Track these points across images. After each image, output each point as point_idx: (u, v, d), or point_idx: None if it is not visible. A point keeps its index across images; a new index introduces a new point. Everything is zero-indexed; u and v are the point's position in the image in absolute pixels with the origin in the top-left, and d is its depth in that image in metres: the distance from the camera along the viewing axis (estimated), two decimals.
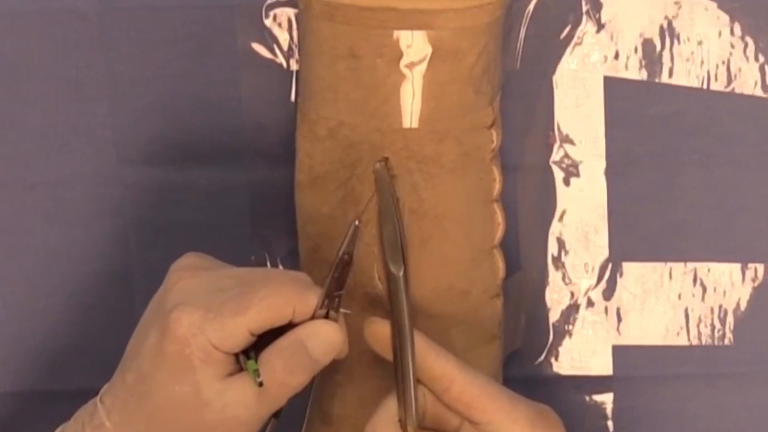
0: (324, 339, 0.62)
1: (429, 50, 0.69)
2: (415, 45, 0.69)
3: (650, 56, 0.78)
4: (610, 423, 0.80)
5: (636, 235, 0.79)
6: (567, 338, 0.80)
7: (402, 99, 0.70)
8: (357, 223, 0.63)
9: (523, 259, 0.79)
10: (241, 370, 0.63)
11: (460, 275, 0.73)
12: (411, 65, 0.70)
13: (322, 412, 0.75)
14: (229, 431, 0.62)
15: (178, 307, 0.61)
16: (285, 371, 0.62)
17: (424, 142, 0.71)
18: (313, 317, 0.63)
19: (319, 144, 0.72)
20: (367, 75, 0.70)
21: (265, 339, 0.63)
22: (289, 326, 0.63)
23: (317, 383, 0.76)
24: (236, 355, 0.63)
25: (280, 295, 0.62)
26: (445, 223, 0.72)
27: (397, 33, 0.69)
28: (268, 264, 0.79)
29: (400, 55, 0.69)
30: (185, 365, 0.61)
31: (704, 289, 0.79)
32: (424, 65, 0.70)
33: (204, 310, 0.61)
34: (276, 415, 0.65)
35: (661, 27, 0.78)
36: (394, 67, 0.70)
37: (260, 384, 0.62)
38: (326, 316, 0.63)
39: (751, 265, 0.79)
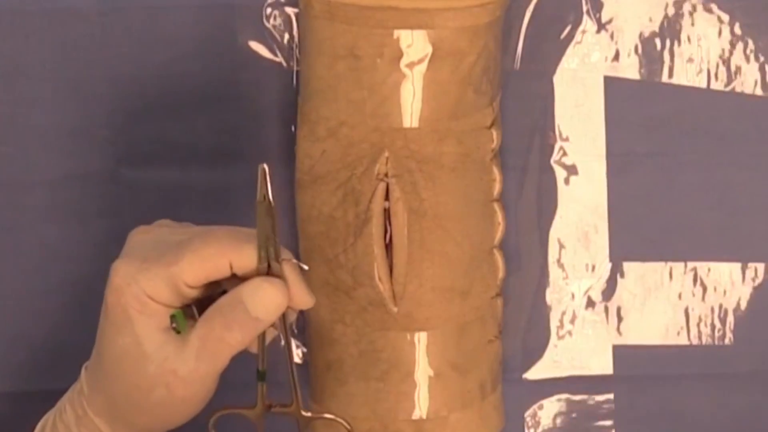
0: (263, 297, 0.60)
1: (429, 50, 0.69)
2: (415, 44, 0.69)
3: (650, 56, 0.78)
4: (610, 423, 0.80)
5: (636, 235, 0.79)
6: (567, 338, 0.80)
7: (402, 99, 0.70)
8: (265, 166, 0.62)
9: (523, 259, 0.79)
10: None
11: (460, 275, 0.73)
12: (411, 65, 0.70)
13: (322, 412, 0.75)
14: (168, 386, 0.61)
15: (118, 259, 0.62)
16: (222, 328, 0.61)
17: (425, 142, 0.71)
18: (258, 274, 0.61)
19: (320, 144, 0.72)
20: (367, 75, 0.70)
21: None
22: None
23: (317, 383, 0.76)
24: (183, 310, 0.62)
25: (213, 246, 0.61)
26: (445, 223, 0.72)
27: (397, 32, 0.69)
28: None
29: (401, 54, 0.69)
30: (123, 316, 0.61)
31: (704, 289, 0.79)
32: (424, 65, 0.70)
33: (140, 261, 0.61)
34: (261, 377, 0.64)
35: (661, 27, 0.78)
36: (395, 67, 0.70)
37: (177, 331, 0.61)
38: (268, 270, 0.61)
39: (751, 265, 0.79)
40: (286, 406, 0.64)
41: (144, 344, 0.61)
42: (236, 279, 0.61)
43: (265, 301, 0.61)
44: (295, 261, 0.62)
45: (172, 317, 0.61)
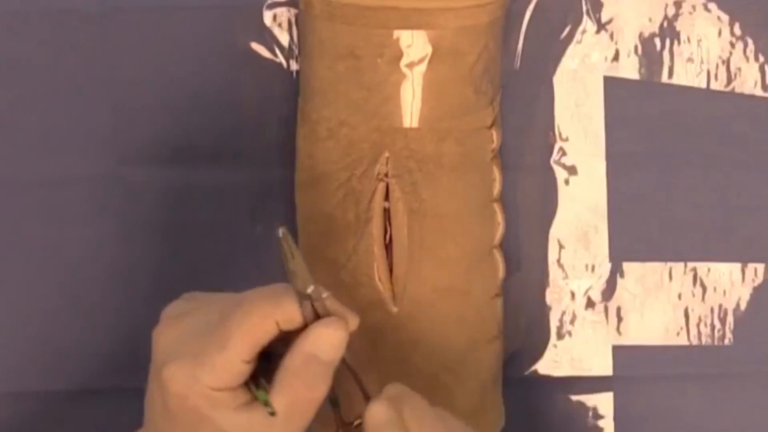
0: (330, 340, 0.61)
1: (429, 50, 0.69)
2: (415, 45, 0.69)
3: (650, 56, 0.78)
4: (610, 423, 0.80)
5: (636, 235, 0.79)
6: (567, 338, 0.80)
7: (402, 99, 0.70)
8: (281, 231, 0.61)
9: (523, 259, 0.79)
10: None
11: (460, 275, 0.73)
12: (411, 65, 0.70)
13: (322, 412, 0.75)
14: None
15: (167, 364, 0.60)
16: (306, 388, 0.61)
17: (425, 142, 0.71)
18: (305, 322, 0.61)
19: (320, 144, 0.72)
20: (367, 75, 0.70)
21: (273, 356, 0.62)
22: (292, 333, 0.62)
23: None
24: (246, 383, 0.61)
25: (254, 314, 0.60)
26: (445, 223, 0.72)
27: (397, 33, 0.69)
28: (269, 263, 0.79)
29: (401, 54, 0.69)
30: (196, 416, 0.60)
31: (704, 289, 0.79)
32: (424, 65, 0.70)
33: (191, 359, 0.60)
34: (335, 404, 0.64)
35: (661, 27, 0.78)
36: (395, 67, 0.70)
37: (272, 414, 0.60)
38: (314, 312, 0.61)
39: (751, 265, 0.79)
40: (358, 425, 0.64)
41: (226, 430, 0.60)
42: (283, 333, 0.61)
43: (333, 343, 0.61)
44: (327, 293, 0.62)
45: (263, 402, 0.60)
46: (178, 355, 0.60)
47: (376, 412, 0.62)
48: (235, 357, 0.59)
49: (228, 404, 0.60)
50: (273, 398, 0.60)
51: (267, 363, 0.61)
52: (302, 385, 0.61)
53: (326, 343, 0.61)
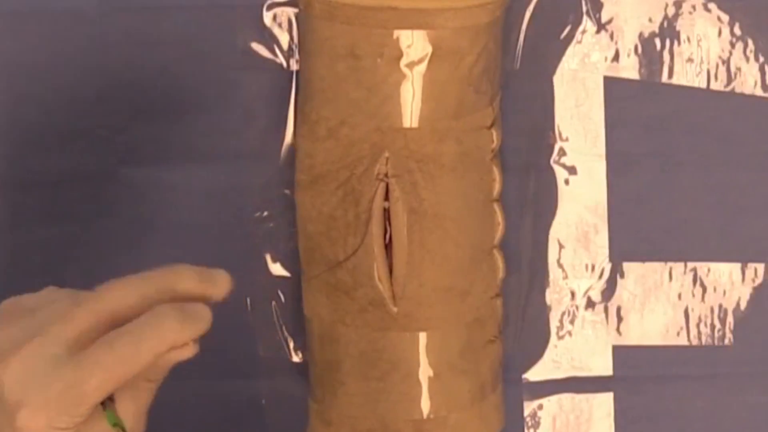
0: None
1: (429, 50, 0.69)
2: (415, 44, 0.69)
3: (650, 56, 0.78)
4: (610, 423, 0.80)
5: (636, 235, 0.79)
6: (567, 338, 0.80)
7: (402, 98, 0.70)
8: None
9: (523, 259, 0.79)
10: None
11: (460, 275, 0.73)
12: (411, 65, 0.70)
13: (322, 412, 0.75)
14: None
15: (20, 410, 0.56)
16: (150, 384, 0.60)
17: (425, 142, 0.71)
18: None
19: (320, 144, 0.72)
20: (367, 74, 0.70)
21: None
22: None
23: (317, 383, 0.76)
24: None
25: (110, 379, 0.56)
26: (445, 223, 0.72)
27: (397, 32, 0.69)
28: (269, 263, 0.79)
29: (401, 54, 0.69)
30: None
31: (704, 289, 0.79)
32: (424, 65, 0.70)
33: (47, 410, 0.56)
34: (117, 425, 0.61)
35: (661, 27, 0.78)
36: (395, 67, 0.70)
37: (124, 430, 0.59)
38: None
39: (751, 265, 0.79)
40: None
41: None
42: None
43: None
44: None
45: (113, 425, 0.59)
46: (30, 399, 0.57)
47: None
48: (91, 409, 0.57)
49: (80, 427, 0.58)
50: (121, 411, 0.59)
51: None
52: (146, 382, 0.59)
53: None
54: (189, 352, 0.58)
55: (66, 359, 0.56)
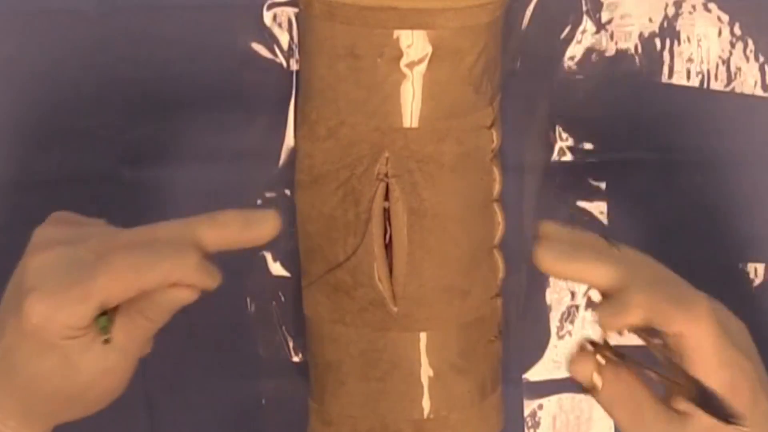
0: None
1: (429, 50, 0.69)
2: (415, 44, 0.69)
3: (650, 56, 0.78)
4: (610, 423, 0.80)
5: (636, 235, 0.79)
6: (567, 338, 0.80)
7: (402, 98, 0.70)
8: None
9: (524, 259, 0.79)
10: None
11: (460, 275, 0.73)
12: (411, 65, 0.70)
13: (322, 412, 0.75)
14: (100, 386, 0.63)
15: (30, 294, 0.61)
16: (148, 322, 0.62)
17: (425, 142, 0.71)
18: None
19: (320, 144, 0.72)
20: (367, 74, 0.70)
21: None
22: None
23: (317, 383, 0.76)
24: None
25: (122, 279, 0.60)
26: (445, 223, 0.72)
27: (397, 32, 0.69)
28: (269, 263, 0.79)
29: (401, 54, 0.69)
30: (47, 343, 0.61)
31: (704, 289, 0.79)
32: (424, 65, 0.70)
33: (53, 295, 0.60)
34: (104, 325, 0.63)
35: (661, 27, 0.78)
36: (395, 67, 0.70)
37: (106, 341, 0.62)
38: None
39: (751, 265, 0.79)
40: None
41: (72, 358, 0.62)
42: None
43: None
44: None
45: (101, 327, 0.62)
46: (43, 285, 0.61)
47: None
48: (94, 309, 0.60)
49: (81, 335, 0.61)
50: (114, 327, 0.62)
51: None
52: (144, 319, 0.62)
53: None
54: (189, 295, 0.62)
55: (90, 264, 0.60)
